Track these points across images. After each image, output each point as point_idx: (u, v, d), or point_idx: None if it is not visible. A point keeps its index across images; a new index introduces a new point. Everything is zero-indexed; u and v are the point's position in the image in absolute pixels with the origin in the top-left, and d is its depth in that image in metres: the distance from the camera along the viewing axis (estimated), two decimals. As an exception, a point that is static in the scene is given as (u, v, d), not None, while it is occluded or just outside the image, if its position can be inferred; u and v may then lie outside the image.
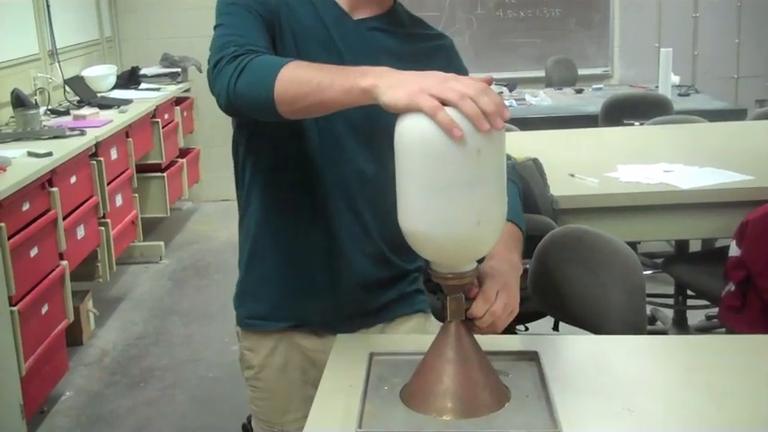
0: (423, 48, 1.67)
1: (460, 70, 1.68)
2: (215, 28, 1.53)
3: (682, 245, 3.56)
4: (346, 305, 1.68)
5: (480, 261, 1.40)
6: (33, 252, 3.24)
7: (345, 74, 1.30)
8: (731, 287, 2.56)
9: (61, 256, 3.53)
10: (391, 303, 1.72)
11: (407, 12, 1.71)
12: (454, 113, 1.20)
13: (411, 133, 1.23)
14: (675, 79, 5.28)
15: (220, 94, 1.42)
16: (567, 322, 2.34)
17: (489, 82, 1.25)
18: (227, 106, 1.43)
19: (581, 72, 6.25)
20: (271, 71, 1.36)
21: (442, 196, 1.24)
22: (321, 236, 1.63)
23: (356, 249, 1.64)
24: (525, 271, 2.39)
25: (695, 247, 3.69)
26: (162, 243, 5.28)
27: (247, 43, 1.44)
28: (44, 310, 3.27)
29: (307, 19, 1.58)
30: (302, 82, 1.33)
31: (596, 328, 2.09)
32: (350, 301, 1.68)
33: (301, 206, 1.62)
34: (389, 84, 1.24)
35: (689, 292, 3.42)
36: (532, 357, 1.50)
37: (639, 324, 2.07)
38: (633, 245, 2.23)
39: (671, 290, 3.66)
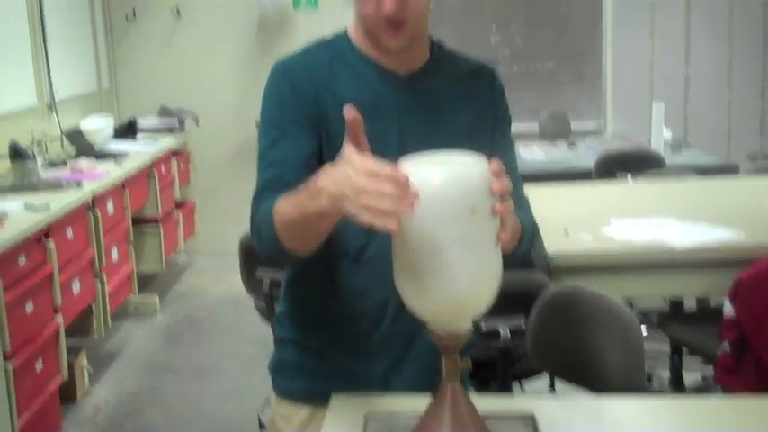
0: (467, 88, 1.69)
1: (502, 100, 1.74)
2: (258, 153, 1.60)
3: (676, 303, 3.57)
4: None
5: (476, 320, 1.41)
6: (29, 307, 3.23)
7: (310, 199, 1.33)
8: (726, 347, 2.55)
9: (56, 311, 3.52)
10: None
11: (449, 50, 1.72)
12: (440, 173, 1.22)
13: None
14: (668, 133, 5.33)
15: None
16: (565, 380, 2.34)
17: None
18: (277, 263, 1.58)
19: (574, 125, 6.31)
20: (271, 229, 1.45)
21: (436, 256, 1.25)
22: (383, 319, 1.63)
23: (419, 338, 1.62)
24: (522, 330, 2.40)
25: (690, 304, 3.70)
26: (157, 297, 5.25)
27: (264, 190, 1.53)
28: (38, 366, 3.25)
29: (350, 92, 1.58)
30: (294, 229, 1.42)
31: (595, 387, 2.09)
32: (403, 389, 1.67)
33: (360, 285, 1.62)
34: (336, 198, 1.26)
35: (684, 350, 3.42)
36: (529, 420, 1.50)
37: (639, 383, 2.07)
38: (628, 302, 2.24)
39: (666, 347, 3.66)
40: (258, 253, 1.54)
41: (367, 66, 1.62)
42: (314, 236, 1.42)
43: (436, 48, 1.69)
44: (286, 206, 1.41)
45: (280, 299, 1.78)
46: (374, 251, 1.58)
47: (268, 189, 1.51)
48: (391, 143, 1.55)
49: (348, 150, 1.27)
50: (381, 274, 1.57)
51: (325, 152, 1.55)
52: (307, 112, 1.56)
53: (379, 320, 1.63)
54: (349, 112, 1.29)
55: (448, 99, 1.64)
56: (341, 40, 1.65)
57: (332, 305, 1.65)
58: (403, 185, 1.19)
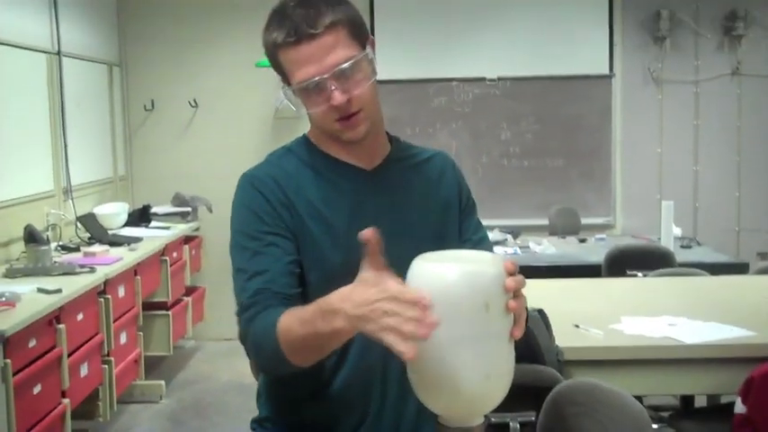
0: (430, 176, 1.73)
1: (464, 183, 1.77)
2: (233, 267, 1.60)
3: (687, 399, 3.54)
4: None
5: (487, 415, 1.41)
6: (36, 389, 3.22)
7: (322, 319, 1.34)
8: (738, 445, 2.54)
9: (63, 394, 3.50)
10: None
11: (405, 142, 1.77)
12: (455, 270, 1.24)
13: (420, 289, 1.26)
14: (677, 231, 5.35)
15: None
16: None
17: None
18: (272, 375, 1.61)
19: (584, 221, 6.35)
20: (273, 345, 1.43)
21: (449, 350, 1.26)
22: (368, 410, 1.64)
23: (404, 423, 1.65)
24: (533, 424, 2.39)
25: (701, 400, 3.66)
26: (163, 382, 5.21)
27: (254, 303, 1.51)
28: (43, 449, 3.23)
29: (320, 194, 1.61)
30: (303, 347, 1.41)
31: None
32: None
33: (345, 381, 1.63)
34: (355, 319, 1.27)
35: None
36: None
37: (648, 481, 2.05)
38: (639, 397, 2.22)
39: (677, 444, 3.61)
40: (256, 365, 1.54)
41: (332, 165, 1.65)
42: (324, 351, 1.42)
43: (394, 141, 1.74)
44: (293, 324, 1.40)
45: (259, 403, 1.77)
46: (358, 346, 1.59)
47: (259, 302, 1.50)
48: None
49: (368, 273, 1.29)
50: (365, 368, 1.61)
51: (302, 257, 1.58)
52: (283, 220, 1.58)
53: (365, 413, 1.64)
54: (367, 232, 1.31)
55: (414, 188, 1.68)
56: (302, 144, 1.70)
57: (317, 404, 1.64)
58: (423, 309, 1.20)
